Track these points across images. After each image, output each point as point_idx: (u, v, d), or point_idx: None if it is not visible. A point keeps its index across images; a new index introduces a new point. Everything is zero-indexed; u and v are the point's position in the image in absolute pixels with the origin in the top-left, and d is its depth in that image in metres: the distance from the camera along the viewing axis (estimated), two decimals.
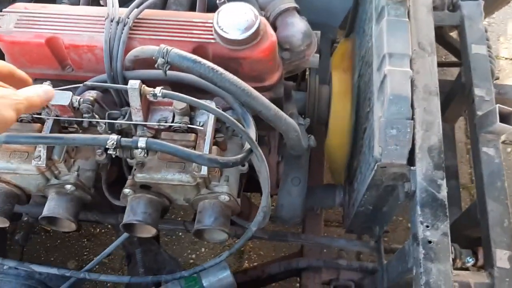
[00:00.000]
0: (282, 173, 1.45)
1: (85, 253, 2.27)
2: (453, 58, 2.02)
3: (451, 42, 1.96)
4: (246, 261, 2.27)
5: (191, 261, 2.27)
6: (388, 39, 1.21)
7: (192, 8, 1.59)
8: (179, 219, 2.27)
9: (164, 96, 1.04)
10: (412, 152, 1.16)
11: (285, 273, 1.70)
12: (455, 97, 1.77)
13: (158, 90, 1.04)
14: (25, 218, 1.48)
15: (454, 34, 1.88)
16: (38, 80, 1.27)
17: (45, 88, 0.91)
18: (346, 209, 1.62)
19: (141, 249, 1.42)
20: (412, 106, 1.18)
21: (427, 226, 1.11)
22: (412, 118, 1.16)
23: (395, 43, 1.21)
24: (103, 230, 2.31)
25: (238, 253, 2.25)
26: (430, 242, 1.09)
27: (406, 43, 1.21)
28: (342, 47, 1.68)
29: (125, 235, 1.22)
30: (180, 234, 2.32)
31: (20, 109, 0.83)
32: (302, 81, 1.82)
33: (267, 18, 1.32)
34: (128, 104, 1.22)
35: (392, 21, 1.23)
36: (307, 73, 1.65)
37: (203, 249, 2.31)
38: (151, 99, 1.05)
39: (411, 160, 1.16)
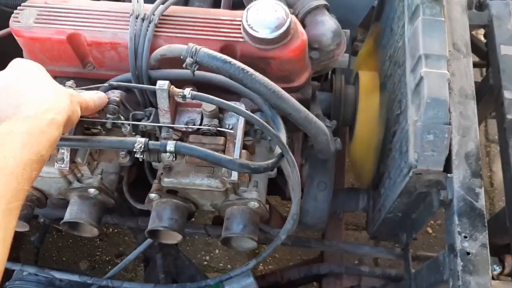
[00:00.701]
0: (307, 177, 1.40)
1: (97, 253, 2.23)
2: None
3: (474, 41, 1.91)
4: (261, 264, 2.22)
5: (205, 263, 2.23)
6: (424, 39, 1.16)
7: (215, 5, 1.54)
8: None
9: (193, 97, 0.99)
10: (448, 159, 1.11)
11: (305, 279, 1.66)
12: (481, 99, 1.72)
13: (187, 91, 0.99)
14: (41, 220, 1.44)
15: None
16: (58, 77, 1.23)
17: (100, 95, 0.98)
18: (370, 215, 1.57)
19: (162, 253, 1.38)
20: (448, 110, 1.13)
21: (465, 237, 1.06)
22: (450, 123, 1.11)
23: (432, 44, 1.15)
24: (115, 230, 2.27)
25: (253, 255, 2.21)
26: (468, 253, 1.05)
27: (443, 43, 1.16)
28: (367, 46, 1.63)
29: (148, 241, 1.18)
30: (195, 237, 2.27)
31: (81, 108, 0.89)
32: (324, 81, 1.77)
33: (296, 16, 1.26)
34: (152, 105, 1.18)
35: (427, 21, 1.18)
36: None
37: (217, 251, 2.27)
38: (180, 100, 1.01)
39: (447, 167, 1.11)
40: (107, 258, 2.23)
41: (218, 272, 2.22)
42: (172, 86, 1.00)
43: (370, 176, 1.53)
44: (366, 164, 1.51)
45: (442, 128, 1.08)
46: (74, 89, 1.01)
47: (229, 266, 2.26)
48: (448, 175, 1.10)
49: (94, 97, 0.96)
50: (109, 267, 2.16)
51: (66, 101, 0.83)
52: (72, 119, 0.85)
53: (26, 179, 0.67)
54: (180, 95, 0.99)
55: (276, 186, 1.38)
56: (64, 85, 1.02)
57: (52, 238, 2.23)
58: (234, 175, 1.03)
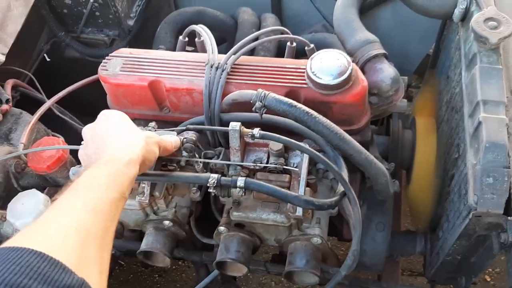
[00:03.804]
0: (365, 218, 1.44)
1: None
2: None
3: None
4: None
5: None
6: (481, 86, 1.20)
7: (278, 54, 1.66)
8: None
9: (261, 136, 1.07)
10: (508, 201, 1.12)
11: None
12: None
13: (256, 131, 1.08)
14: (113, 252, 1.53)
15: None
16: (136, 120, 1.35)
17: (175, 139, 1.09)
18: (428, 258, 1.57)
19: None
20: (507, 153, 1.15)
21: None
22: (509, 167, 1.13)
23: (490, 91, 1.19)
24: (174, 267, 2.35)
25: None
26: None
27: (501, 90, 1.19)
28: (423, 92, 1.68)
29: (215, 272, 1.24)
30: (249, 274, 2.31)
31: (160, 148, 0.99)
32: (381, 125, 1.82)
33: (356, 64, 1.35)
34: (221, 145, 1.27)
35: (485, 68, 1.23)
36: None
37: None
38: (249, 140, 1.09)
39: (507, 210, 1.12)
40: None
41: None
42: (242, 126, 1.09)
43: (428, 219, 1.55)
44: (423, 207, 1.52)
45: (502, 171, 1.10)
46: (155, 130, 1.13)
47: None
48: (509, 218, 1.11)
49: (171, 139, 1.07)
50: None
51: (141, 143, 0.93)
52: (149, 157, 0.96)
53: (113, 216, 0.76)
54: (250, 134, 1.07)
55: (333, 227, 1.42)
56: (147, 127, 1.14)
57: (114, 272, 2.33)
58: (299, 211, 1.09)
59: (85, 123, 1.76)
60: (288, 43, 1.46)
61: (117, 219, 0.79)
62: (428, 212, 1.53)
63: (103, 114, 0.99)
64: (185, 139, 1.11)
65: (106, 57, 1.34)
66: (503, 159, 1.11)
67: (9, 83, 1.65)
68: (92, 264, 0.65)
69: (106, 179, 0.79)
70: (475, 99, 1.20)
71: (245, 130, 1.09)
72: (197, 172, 1.17)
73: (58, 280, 0.57)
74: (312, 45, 1.41)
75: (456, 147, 1.35)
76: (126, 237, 1.43)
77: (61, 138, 1.45)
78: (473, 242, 1.26)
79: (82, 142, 1.14)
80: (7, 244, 0.61)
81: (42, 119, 1.58)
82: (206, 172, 1.18)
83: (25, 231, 0.65)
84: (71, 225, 0.67)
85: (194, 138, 1.12)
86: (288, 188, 1.12)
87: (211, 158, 1.19)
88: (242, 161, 1.15)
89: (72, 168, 1.15)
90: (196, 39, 1.48)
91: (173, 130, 1.14)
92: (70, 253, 0.62)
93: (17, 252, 0.58)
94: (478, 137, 1.15)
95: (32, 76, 1.81)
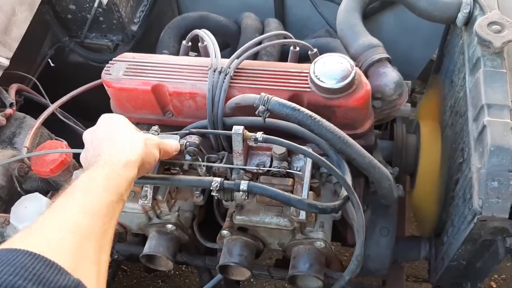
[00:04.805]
0: (369, 223, 1.43)
1: None
2: None
3: None
4: None
5: None
6: (486, 90, 1.20)
7: (281, 58, 1.66)
8: None
9: (264, 140, 1.07)
10: None
11: None
12: None
13: (259, 134, 1.08)
14: (116, 256, 1.53)
15: None
16: (139, 124, 1.35)
17: (175, 143, 1.10)
18: (432, 263, 1.56)
19: None
20: None
21: None
22: None
23: (494, 94, 1.19)
24: (177, 272, 2.34)
25: None
26: None
27: (505, 93, 1.19)
28: (427, 97, 1.67)
29: (219, 276, 1.24)
30: (252, 280, 2.30)
31: (160, 151, 0.99)
32: (384, 130, 1.81)
33: (360, 68, 1.34)
34: (224, 149, 1.27)
35: (489, 72, 1.22)
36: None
37: None
38: (252, 143, 1.09)
39: None
40: None
41: None
42: (245, 130, 1.09)
43: (432, 224, 1.54)
44: (428, 212, 1.52)
45: (507, 175, 1.09)
46: (158, 134, 1.13)
47: None
48: None
49: (171, 142, 1.07)
50: None
51: (140, 144, 0.93)
52: (149, 160, 0.95)
53: (111, 218, 0.76)
54: (253, 138, 1.07)
55: (337, 232, 1.41)
56: (150, 130, 1.14)
57: (117, 277, 2.33)
58: (302, 215, 1.09)
59: (88, 128, 1.77)
60: (291, 48, 1.46)
61: (115, 221, 0.79)
62: (433, 217, 1.52)
63: (103, 118, 0.99)
64: (187, 143, 1.11)
65: (110, 62, 1.34)
66: (508, 163, 1.11)
67: (13, 87, 1.66)
68: (89, 265, 0.66)
69: (103, 181, 0.79)
70: (479, 103, 1.19)
71: (248, 134, 1.09)
72: (200, 176, 1.16)
73: (53, 281, 0.57)
74: (315, 50, 1.41)
75: (461, 152, 1.34)
76: (129, 241, 1.42)
77: (64, 142, 1.45)
78: (478, 247, 1.25)
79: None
80: (3, 246, 0.61)
81: (45, 124, 1.58)
82: (209, 176, 1.17)
83: (21, 234, 0.66)
84: (68, 227, 0.67)
85: (197, 142, 1.12)
86: (291, 191, 1.11)
87: (214, 162, 1.19)
88: (245, 165, 1.15)
89: (75, 171, 1.15)
90: (199, 44, 1.48)
91: (176, 134, 1.13)
92: (66, 255, 0.63)
93: (12, 253, 0.59)
94: (483, 141, 1.15)
95: (36, 81, 1.82)
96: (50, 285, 0.57)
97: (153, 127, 1.14)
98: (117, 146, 0.89)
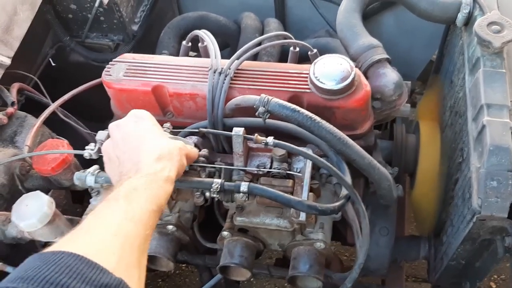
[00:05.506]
0: (369, 223, 1.43)
1: None
2: None
3: None
4: None
5: None
6: (485, 89, 1.20)
7: (281, 59, 1.66)
8: None
9: (275, 145, 1.07)
10: None
11: None
12: None
13: (270, 139, 1.08)
14: None
15: None
16: None
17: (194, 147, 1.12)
18: (432, 263, 1.56)
19: None
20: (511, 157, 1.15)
21: None
22: None
23: (493, 94, 1.19)
24: (177, 271, 2.35)
25: None
26: None
27: (505, 93, 1.19)
28: (427, 97, 1.68)
29: (218, 276, 1.24)
30: (252, 280, 2.31)
31: (187, 159, 1.02)
32: (384, 130, 1.82)
33: (359, 69, 1.35)
34: (224, 150, 1.28)
35: (489, 72, 1.23)
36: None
37: None
38: (252, 145, 1.09)
39: (511, 213, 1.12)
40: None
41: None
42: (256, 134, 1.09)
43: (432, 224, 1.54)
44: (427, 211, 1.52)
45: (506, 175, 1.10)
46: (170, 131, 1.14)
47: None
48: None
49: (194, 148, 1.10)
50: None
51: (177, 157, 0.97)
52: (180, 172, 0.99)
53: (150, 226, 0.80)
54: (264, 142, 1.07)
55: (337, 231, 1.42)
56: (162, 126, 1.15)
57: None
58: (302, 216, 1.09)
59: (89, 127, 1.77)
60: (291, 48, 1.46)
61: (153, 229, 0.83)
62: (432, 217, 1.53)
63: (134, 115, 1.02)
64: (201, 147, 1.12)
65: (110, 63, 1.34)
66: (507, 163, 1.11)
67: (15, 86, 1.67)
68: (131, 268, 0.69)
69: (146, 192, 0.84)
70: (479, 103, 1.20)
71: (259, 138, 1.09)
72: (200, 177, 1.17)
73: (96, 279, 0.61)
74: (315, 50, 1.41)
75: (460, 151, 1.35)
76: None
77: (66, 141, 1.46)
78: (477, 246, 1.25)
79: (88, 145, 1.15)
80: (51, 249, 0.66)
81: (46, 123, 1.59)
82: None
83: (67, 237, 0.70)
84: (111, 232, 0.72)
85: (206, 152, 1.13)
86: (292, 193, 1.12)
87: (213, 163, 1.19)
88: (246, 166, 1.15)
89: (77, 173, 1.15)
90: (199, 44, 1.49)
91: (176, 135, 1.14)
92: (109, 257, 0.66)
93: (57, 255, 0.64)
94: (482, 141, 1.15)
95: (37, 80, 1.82)
96: (93, 283, 0.61)
97: (165, 124, 1.15)
98: (157, 156, 0.92)
